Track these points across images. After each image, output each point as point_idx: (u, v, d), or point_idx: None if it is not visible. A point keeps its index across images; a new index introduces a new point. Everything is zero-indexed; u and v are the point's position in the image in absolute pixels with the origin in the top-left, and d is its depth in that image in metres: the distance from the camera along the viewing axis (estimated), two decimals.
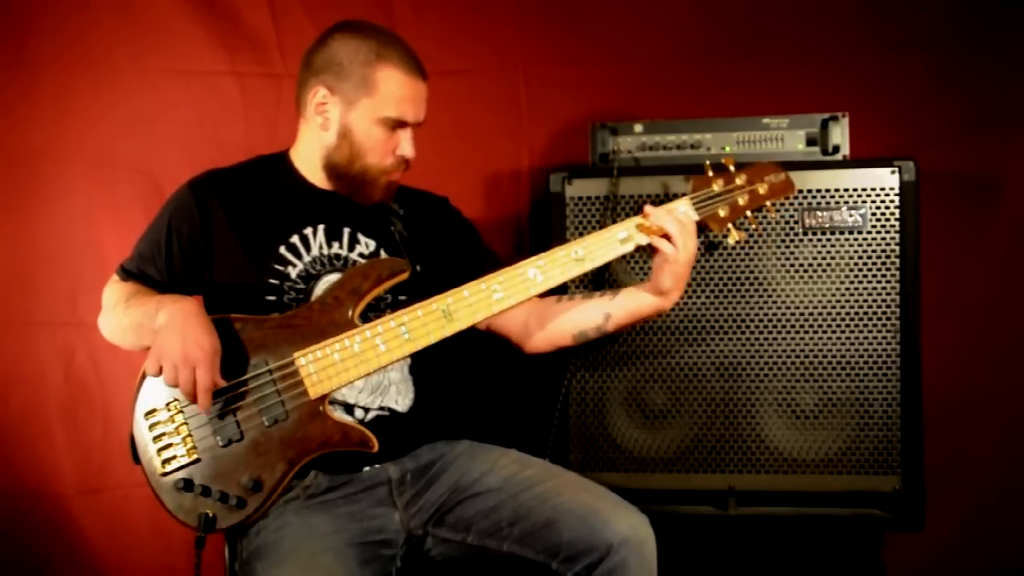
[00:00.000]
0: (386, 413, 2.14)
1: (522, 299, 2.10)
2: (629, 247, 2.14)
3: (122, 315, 2.09)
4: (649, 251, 2.14)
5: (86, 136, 2.87)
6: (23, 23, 2.85)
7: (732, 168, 2.22)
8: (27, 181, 2.85)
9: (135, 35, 2.88)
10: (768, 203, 2.25)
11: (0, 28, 2.84)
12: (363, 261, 2.19)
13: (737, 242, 2.25)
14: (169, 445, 1.99)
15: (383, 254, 2.22)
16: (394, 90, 2.12)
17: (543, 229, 2.68)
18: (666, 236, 2.10)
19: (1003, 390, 2.85)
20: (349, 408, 2.11)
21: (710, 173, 2.22)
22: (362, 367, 2.02)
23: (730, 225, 2.22)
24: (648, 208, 2.12)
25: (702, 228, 2.21)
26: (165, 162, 2.86)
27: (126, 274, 2.20)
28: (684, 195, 2.21)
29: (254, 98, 2.94)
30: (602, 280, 2.47)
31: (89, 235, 2.86)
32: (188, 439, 1.99)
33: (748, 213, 2.23)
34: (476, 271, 2.11)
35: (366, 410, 2.12)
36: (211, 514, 1.96)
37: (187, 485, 1.96)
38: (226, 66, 2.93)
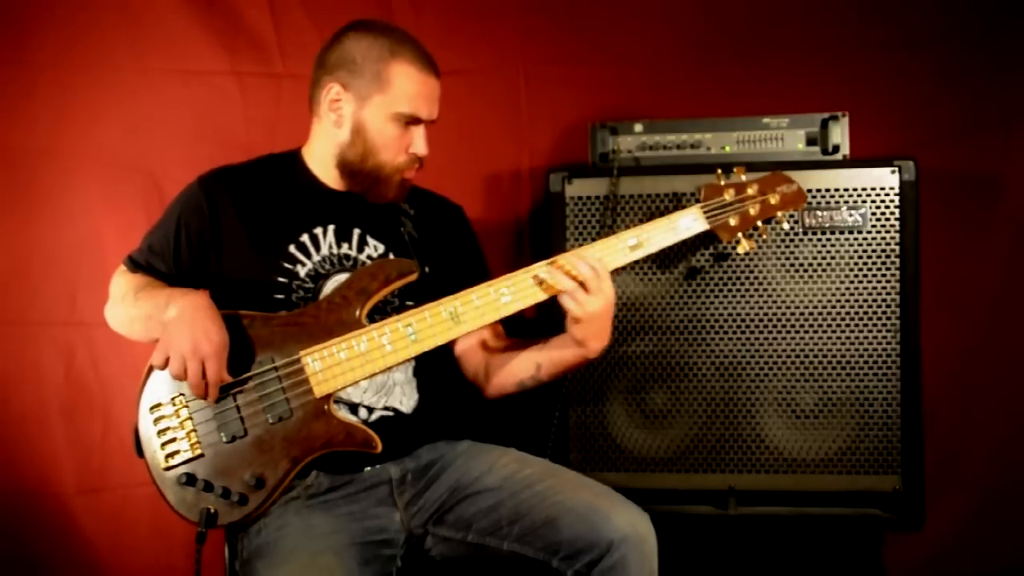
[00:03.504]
0: (390, 414, 2.14)
1: (530, 303, 2.09)
2: (639, 254, 2.14)
3: (130, 306, 2.09)
4: (656, 257, 2.14)
5: (86, 136, 2.86)
6: (23, 23, 2.84)
7: (744, 178, 2.22)
8: (27, 181, 2.85)
9: (135, 35, 2.88)
10: (779, 213, 2.25)
11: (0, 28, 2.83)
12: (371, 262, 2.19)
13: (747, 252, 2.24)
14: (173, 439, 1.99)
15: (392, 256, 2.21)
16: (407, 86, 2.12)
17: (543, 229, 2.69)
18: (582, 284, 2.05)
19: (1003, 390, 2.86)
20: (354, 408, 2.11)
21: (722, 182, 2.22)
22: (368, 367, 2.02)
23: (740, 234, 2.21)
24: (561, 258, 2.09)
25: (712, 237, 2.21)
26: (165, 162, 2.86)
27: (134, 265, 2.19)
28: (695, 202, 2.21)
29: (254, 98, 2.94)
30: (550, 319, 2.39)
31: (89, 235, 2.86)
32: (192, 434, 1.99)
33: (759, 223, 2.23)
34: (467, 287, 2.11)
35: (370, 410, 2.12)
36: (213, 510, 1.96)
37: (190, 480, 1.96)
38: (226, 66, 2.93)
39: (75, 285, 2.85)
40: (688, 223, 2.19)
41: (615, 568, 1.94)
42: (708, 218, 2.19)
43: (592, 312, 2.05)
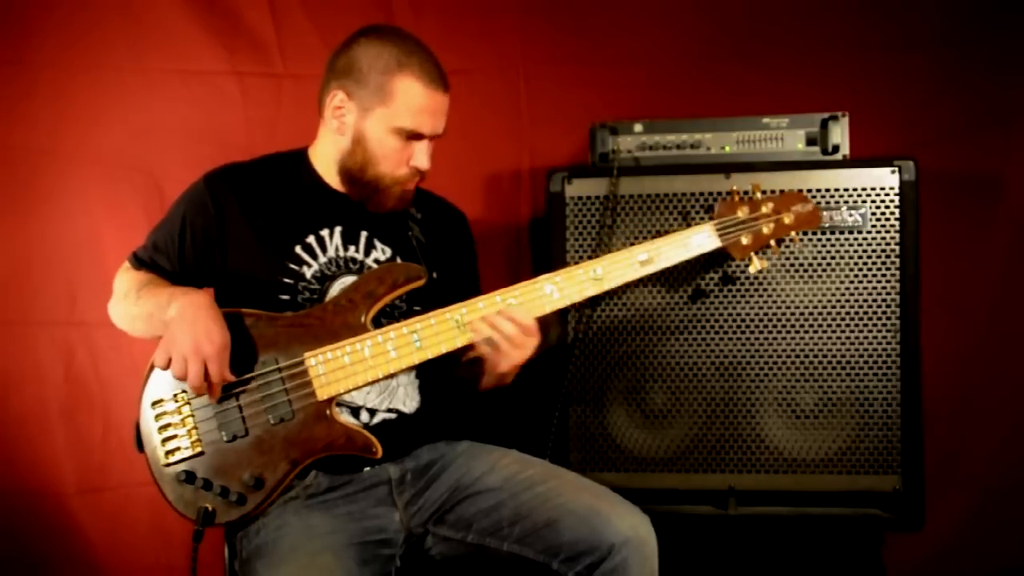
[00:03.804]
0: (393, 415, 2.13)
1: (537, 314, 2.08)
2: (648, 269, 2.13)
3: (133, 304, 2.09)
4: (668, 273, 2.13)
5: (86, 136, 2.87)
6: (23, 23, 2.85)
7: (759, 195, 2.21)
8: (27, 181, 2.85)
9: (135, 35, 2.89)
10: (793, 233, 2.23)
11: (0, 28, 2.83)
12: (379, 266, 2.17)
13: (759, 271, 2.23)
14: (174, 436, 1.99)
15: (399, 260, 2.21)
16: (411, 101, 2.10)
17: (543, 229, 2.68)
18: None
19: (1003, 390, 2.86)
20: (355, 410, 2.10)
21: (736, 199, 2.20)
22: (371, 372, 2.02)
23: (752, 254, 2.20)
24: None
25: (724, 255, 2.20)
26: (165, 162, 2.87)
27: (138, 262, 2.19)
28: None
29: (254, 98, 2.94)
30: None
31: (89, 235, 2.86)
32: (193, 431, 1.98)
33: (772, 242, 2.22)
34: (458, 298, 2.09)
35: (372, 412, 2.12)
36: (210, 508, 1.96)
37: (189, 477, 1.96)
38: (226, 66, 2.93)
39: (75, 285, 2.86)
40: (701, 240, 2.17)
41: (616, 571, 1.94)
42: (721, 235, 2.17)
43: (519, 362, 2.07)
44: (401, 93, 2.10)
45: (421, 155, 2.15)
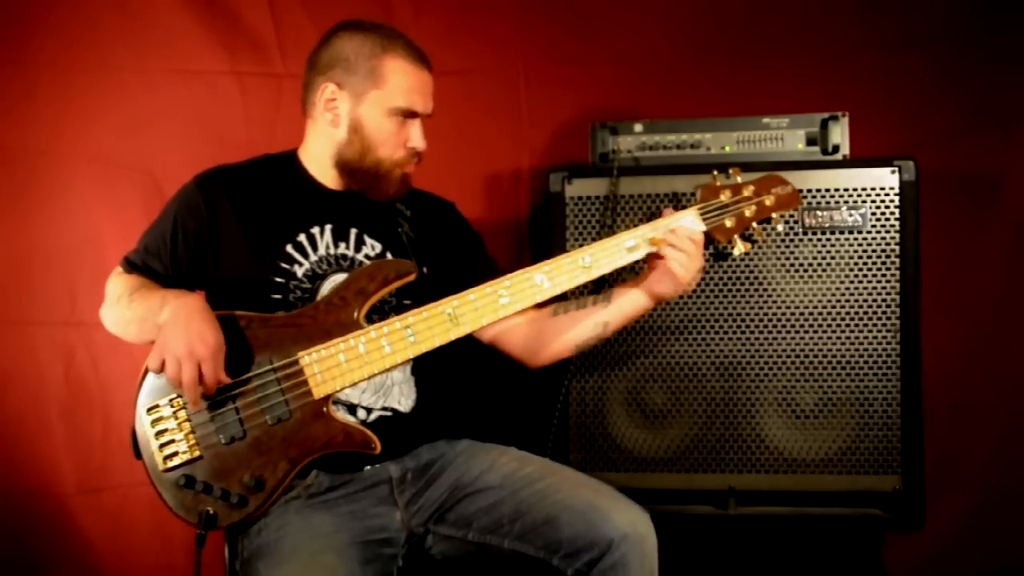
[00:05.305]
0: (389, 413, 2.13)
1: (528, 304, 2.09)
2: (637, 255, 2.13)
3: (125, 308, 2.09)
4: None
5: (86, 135, 2.86)
6: (23, 23, 2.85)
7: (740, 179, 2.22)
8: (26, 180, 2.85)
9: (135, 35, 2.88)
10: (775, 215, 2.24)
11: (0, 28, 2.83)
12: (369, 262, 2.18)
13: (743, 253, 2.24)
14: (171, 441, 1.98)
15: (389, 256, 2.22)
16: (402, 80, 2.13)
17: (543, 229, 2.69)
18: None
19: (1003, 390, 2.86)
20: (352, 408, 2.11)
21: (718, 183, 2.21)
22: (366, 368, 2.02)
23: (736, 236, 2.21)
24: (665, 225, 2.12)
25: (708, 239, 2.21)
26: (165, 162, 2.86)
27: (130, 266, 2.19)
28: (691, 205, 2.20)
29: (254, 98, 2.94)
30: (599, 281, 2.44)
31: (88, 234, 2.86)
32: (190, 435, 1.98)
33: (754, 224, 2.23)
34: (477, 279, 2.11)
35: (368, 411, 2.12)
36: (212, 512, 1.95)
37: (188, 482, 1.95)
38: (226, 66, 2.93)
39: (75, 285, 2.85)
40: (686, 224, 2.18)
41: (615, 567, 1.95)
42: (705, 219, 2.17)
43: (691, 279, 2.11)
44: (392, 73, 2.13)
45: (417, 134, 2.18)
